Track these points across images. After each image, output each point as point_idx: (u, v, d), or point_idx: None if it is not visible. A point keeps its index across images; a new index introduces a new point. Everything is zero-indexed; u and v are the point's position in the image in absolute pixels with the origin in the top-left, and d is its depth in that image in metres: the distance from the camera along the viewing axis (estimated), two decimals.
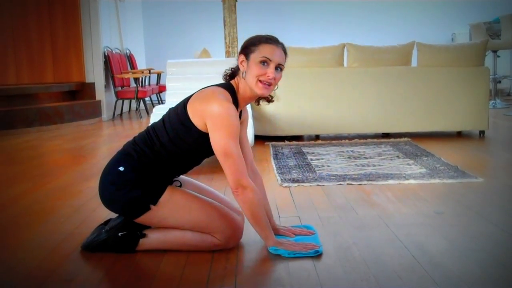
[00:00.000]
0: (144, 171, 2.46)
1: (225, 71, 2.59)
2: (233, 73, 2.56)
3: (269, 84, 2.43)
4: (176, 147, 2.46)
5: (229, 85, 2.52)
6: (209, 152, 2.48)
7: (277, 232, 2.67)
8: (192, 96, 2.50)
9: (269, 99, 2.61)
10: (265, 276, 2.26)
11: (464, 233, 2.73)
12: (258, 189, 2.56)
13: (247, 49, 2.45)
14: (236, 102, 2.48)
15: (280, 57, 2.43)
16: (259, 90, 2.43)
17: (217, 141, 2.35)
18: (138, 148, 2.49)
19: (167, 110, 2.59)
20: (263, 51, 2.41)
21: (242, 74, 2.47)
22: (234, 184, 2.35)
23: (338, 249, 2.51)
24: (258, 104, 2.66)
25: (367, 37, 9.86)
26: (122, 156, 2.51)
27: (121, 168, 2.46)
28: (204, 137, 2.41)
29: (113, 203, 2.51)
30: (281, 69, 2.46)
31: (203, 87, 2.54)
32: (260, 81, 2.42)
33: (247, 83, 2.46)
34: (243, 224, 2.63)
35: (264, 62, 2.40)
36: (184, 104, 2.48)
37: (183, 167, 2.61)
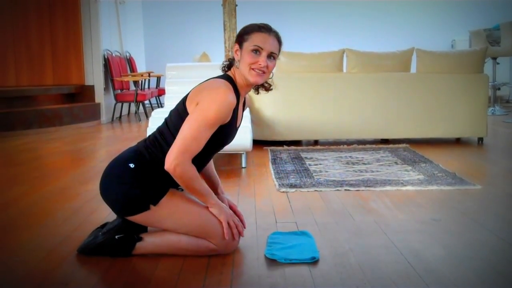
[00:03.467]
0: (153, 174, 2.46)
1: (223, 62, 2.62)
2: (230, 64, 2.58)
3: (262, 72, 2.44)
4: None
5: (227, 76, 2.53)
6: (219, 145, 2.49)
7: (222, 199, 2.74)
8: (191, 91, 2.50)
9: (268, 88, 2.62)
10: (260, 281, 2.26)
11: (460, 241, 2.73)
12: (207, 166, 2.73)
13: (241, 37, 2.48)
14: (237, 92, 2.49)
15: (272, 45, 2.44)
16: (252, 77, 2.45)
17: (194, 117, 2.35)
18: (151, 151, 2.48)
19: (169, 112, 2.59)
20: (255, 39, 2.43)
21: (236, 63, 2.49)
22: (172, 158, 2.32)
23: (334, 255, 2.51)
24: (258, 93, 2.65)
25: (367, 42, 9.89)
26: (135, 154, 2.51)
27: (132, 165, 2.46)
28: None
29: (113, 197, 2.49)
30: (274, 58, 2.48)
31: (202, 81, 2.55)
32: (253, 69, 2.43)
33: (241, 72, 2.47)
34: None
35: (256, 50, 2.42)
36: (183, 101, 2.48)
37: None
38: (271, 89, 2.63)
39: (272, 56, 2.46)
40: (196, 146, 2.35)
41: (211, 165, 2.80)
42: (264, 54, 2.42)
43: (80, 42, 8.73)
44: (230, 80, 2.50)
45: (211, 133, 2.38)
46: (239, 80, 2.51)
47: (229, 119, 2.43)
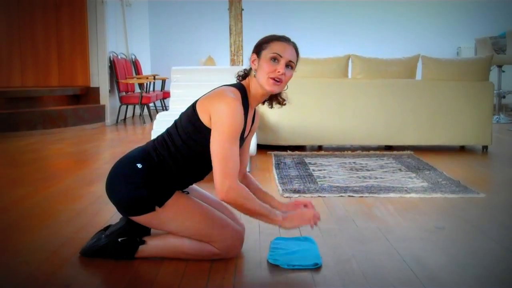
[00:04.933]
0: (161, 175, 2.46)
1: (238, 72, 2.61)
2: (245, 74, 2.57)
3: (279, 81, 2.42)
4: (190, 149, 2.45)
5: (240, 85, 2.52)
6: None
7: (286, 208, 2.65)
8: (202, 96, 2.50)
9: (281, 102, 2.61)
10: (263, 287, 2.26)
11: (464, 249, 2.72)
12: (251, 183, 2.66)
13: (259, 47, 2.47)
14: (246, 102, 2.48)
15: (291, 54, 2.44)
16: (269, 86, 2.43)
17: (216, 139, 2.33)
18: (159, 152, 2.48)
19: (179, 115, 2.59)
20: (274, 47, 2.42)
21: (254, 72, 2.47)
22: (219, 185, 2.30)
23: (337, 261, 2.51)
24: (271, 106, 2.63)
25: (373, 49, 9.87)
26: (143, 155, 2.51)
27: (139, 165, 2.46)
28: None
29: (119, 196, 2.49)
30: (292, 67, 2.47)
31: (214, 88, 2.54)
32: (271, 78, 2.42)
33: (258, 81, 2.46)
34: (243, 235, 2.63)
35: (275, 58, 2.41)
36: (193, 105, 2.48)
37: (199, 172, 2.59)
38: (285, 104, 2.62)
39: (290, 65, 2.45)
40: (233, 164, 2.32)
41: (254, 183, 2.75)
42: (282, 62, 2.42)
43: (86, 44, 8.75)
44: (242, 89, 2.49)
45: (238, 143, 2.38)
46: (253, 90, 2.50)
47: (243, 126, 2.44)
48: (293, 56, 2.46)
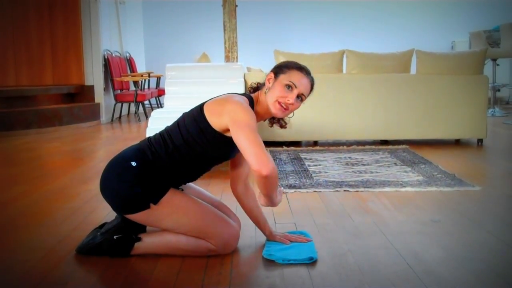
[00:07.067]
0: (155, 173, 2.46)
1: (250, 84, 2.67)
2: (257, 87, 2.62)
3: (286, 108, 2.46)
4: (190, 149, 2.45)
5: (249, 95, 2.56)
6: (222, 157, 2.49)
7: (273, 238, 2.69)
8: (209, 100, 2.52)
9: (283, 125, 2.68)
10: (259, 282, 2.26)
11: (460, 242, 2.73)
12: (251, 196, 2.69)
13: (279, 69, 2.51)
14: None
15: (305, 87, 2.49)
16: (275, 109, 2.47)
17: (239, 133, 2.32)
18: (154, 150, 2.49)
19: (182, 115, 2.60)
20: (293, 76, 2.46)
21: (266, 90, 2.51)
22: (261, 159, 2.27)
23: (333, 256, 2.51)
24: (271, 126, 2.71)
25: (367, 43, 9.87)
26: (138, 153, 2.51)
27: (134, 163, 2.46)
28: (219, 138, 2.42)
29: (113, 194, 2.49)
30: (302, 100, 2.51)
31: (221, 94, 2.58)
32: (279, 102, 2.45)
33: (266, 99, 2.49)
34: (239, 231, 2.64)
35: (289, 86, 2.45)
36: (200, 107, 2.49)
37: (194, 173, 2.61)
38: (286, 127, 2.71)
39: (301, 97, 2.49)
40: (263, 146, 2.33)
41: (255, 199, 2.74)
42: (295, 92, 2.45)
43: (80, 42, 8.73)
44: (250, 100, 2.52)
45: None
46: (260, 105, 2.54)
47: None
48: (307, 90, 2.51)
